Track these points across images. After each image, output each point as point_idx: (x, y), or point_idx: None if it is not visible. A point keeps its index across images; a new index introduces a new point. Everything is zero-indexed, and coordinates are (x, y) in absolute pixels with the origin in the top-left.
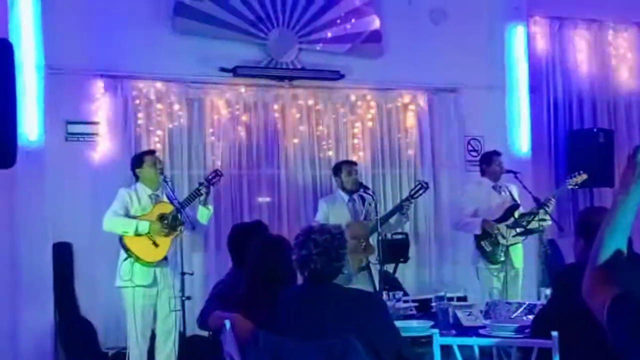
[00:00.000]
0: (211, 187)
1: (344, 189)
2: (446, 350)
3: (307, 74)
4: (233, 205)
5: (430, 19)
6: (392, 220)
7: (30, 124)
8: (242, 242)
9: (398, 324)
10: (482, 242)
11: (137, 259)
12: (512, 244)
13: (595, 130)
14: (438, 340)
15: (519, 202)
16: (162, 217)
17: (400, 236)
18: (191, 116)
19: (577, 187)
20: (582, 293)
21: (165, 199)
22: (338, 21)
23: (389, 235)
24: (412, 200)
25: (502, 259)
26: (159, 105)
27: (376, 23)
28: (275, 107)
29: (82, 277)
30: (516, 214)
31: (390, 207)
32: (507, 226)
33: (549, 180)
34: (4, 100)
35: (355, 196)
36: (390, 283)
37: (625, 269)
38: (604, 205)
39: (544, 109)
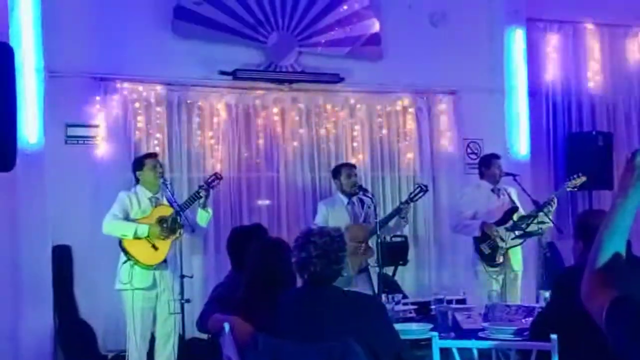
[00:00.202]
0: (211, 190)
1: (343, 192)
2: (445, 353)
3: (306, 77)
4: (232, 208)
5: (430, 21)
6: (391, 223)
7: (30, 127)
8: (242, 245)
9: (397, 326)
10: (481, 245)
11: (137, 262)
12: (511, 247)
13: (594, 133)
14: (437, 343)
15: (518, 204)
16: (161, 220)
17: (399, 239)
18: (191, 119)
19: (576, 189)
20: (581, 296)
21: (165, 201)
22: (337, 24)
23: (388, 238)
24: (411, 203)
25: (501, 261)
26: (158, 109)
27: (376, 26)
28: (275, 110)
29: (81, 279)
30: (515, 217)
31: (389, 209)
32: (506, 229)
33: (548, 183)
34: (4, 103)
35: (354, 199)
36: (390, 286)
37: (624, 272)
38: (603, 208)
39: (543, 112)
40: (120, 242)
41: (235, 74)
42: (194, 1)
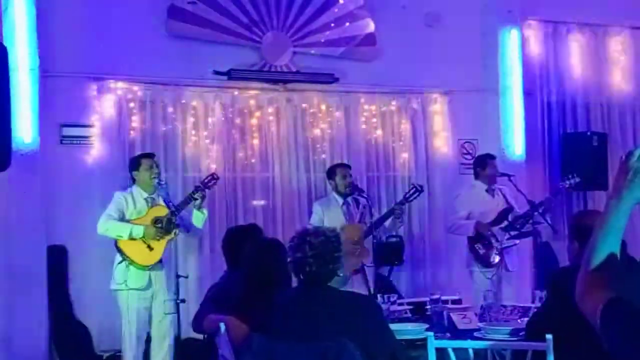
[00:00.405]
0: (207, 190)
1: (338, 192)
2: (441, 353)
3: (301, 77)
4: (228, 208)
5: (424, 21)
6: (386, 223)
7: (24, 127)
8: (237, 245)
9: (393, 326)
10: (476, 245)
11: (132, 262)
12: (505, 247)
13: (589, 133)
14: (433, 343)
15: (513, 205)
16: (156, 221)
17: (394, 239)
18: (185, 119)
19: (571, 189)
20: (575, 297)
21: (161, 202)
22: (332, 24)
23: (383, 238)
24: (407, 203)
25: (496, 261)
26: (153, 109)
27: (370, 26)
28: (270, 110)
29: (76, 279)
30: (510, 217)
31: (384, 210)
32: (501, 229)
33: (543, 184)
34: None
35: (349, 199)
36: (385, 286)
37: (618, 273)
38: (598, 209)
39: (538, 112)
40: (115, 242)
41: (229, 74)
42: (188, 1)
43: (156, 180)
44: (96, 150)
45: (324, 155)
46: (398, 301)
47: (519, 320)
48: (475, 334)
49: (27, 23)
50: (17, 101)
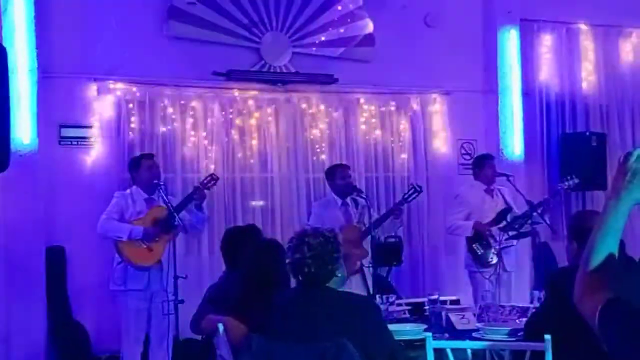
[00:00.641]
0: (206, 190)
1: (337, 193)
2: (439, 353)
3: (300, 78)
4: (226, 208)
5: (424, 21)
6: (385, 223)
7: (23, 127)
8: (236, 246)
9: (391, 327)
10: (474, 245)
11: (131, 263)
12: (503, 247)
13: (587, 133)
14: (431, 344)
15: (511, 205)
16: (156, 221)
17: (393, 239)
18: (185, 120)
19: (569, 190)
20: (573, 298)
21: (161, 202)
22: (331, 25)
23: (382, 239)
24: (405, 204)
25: (494, 262)
26: (152, 109)
27: (369, 27)
28: (269, 110)
29: (75, 280)
30: (509, 217)
31: (383, 210)
32: (500, 229)
33: (542, 184)
34: None
35: (348, 200)
36: (384, 286)
37: (617, 273)
38: (597, 209)
39: (537, 113)
40: (115, 242)
41: (229, 75)
42: (187, 1)
43: (156, 181)
44: (95, 151)
45: (323, 156)
46: (396, 302)
47: (517, 321)
48: (473, 334)
49: (27, 23)
50: (16, 102)
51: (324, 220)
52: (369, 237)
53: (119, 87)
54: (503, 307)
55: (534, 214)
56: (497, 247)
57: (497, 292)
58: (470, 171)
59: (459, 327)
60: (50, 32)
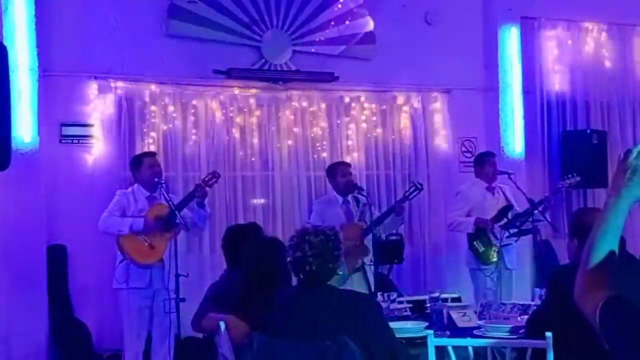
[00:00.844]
0: (208, 188)
1: (338, 191)
2: (440, 351)
3: (301, 76)
4: (227, 206)
5: (425, 19)
6: (386, 221)
7: (24, 126)
8: (237, 244)
9: (393, 325)
10: (475, 243)
11: (133, 261)
12: (505, 245)
13: (588, 131)
14: (432, 341)
15: (512, 203)
16: (157, 219)
17: (394, 237)
18: (185, 118)
19: (570, 188)
20: (574, 296)
21: (162, 200)
22: (332, 23)
23: (383, 237)
24: (407, 202)
25: (495, 259)
26: (153, 108)
27: (370, 25)
28: (270, 109)
29: (76, 279)
30: (510, 215)
31: (384, 208)
32: (501, 227)
33: (543, 181)
34: None
35: (349, 197)
36: (385, 284)
37: (617, 270)
38: (598, 206)
39: (538, 110)
40: (117, 240)
41: (229, 73)
42: (188, 0)
43: (157, 179)
44: (96, 149)
45: (323, 154)
46: (398, 299)
47: (518, 318)
48: (475, 332)
49: (27, 22)
50: (17, 100)
51: (324, 218)
52: (370, 235)
53: (119, 85)
54: (504, 304)
55: (535, 211)
56: (498, 244)
57: (498, 289)
58: (471, 169)
59: (460, 324)
60: (51, 31)
